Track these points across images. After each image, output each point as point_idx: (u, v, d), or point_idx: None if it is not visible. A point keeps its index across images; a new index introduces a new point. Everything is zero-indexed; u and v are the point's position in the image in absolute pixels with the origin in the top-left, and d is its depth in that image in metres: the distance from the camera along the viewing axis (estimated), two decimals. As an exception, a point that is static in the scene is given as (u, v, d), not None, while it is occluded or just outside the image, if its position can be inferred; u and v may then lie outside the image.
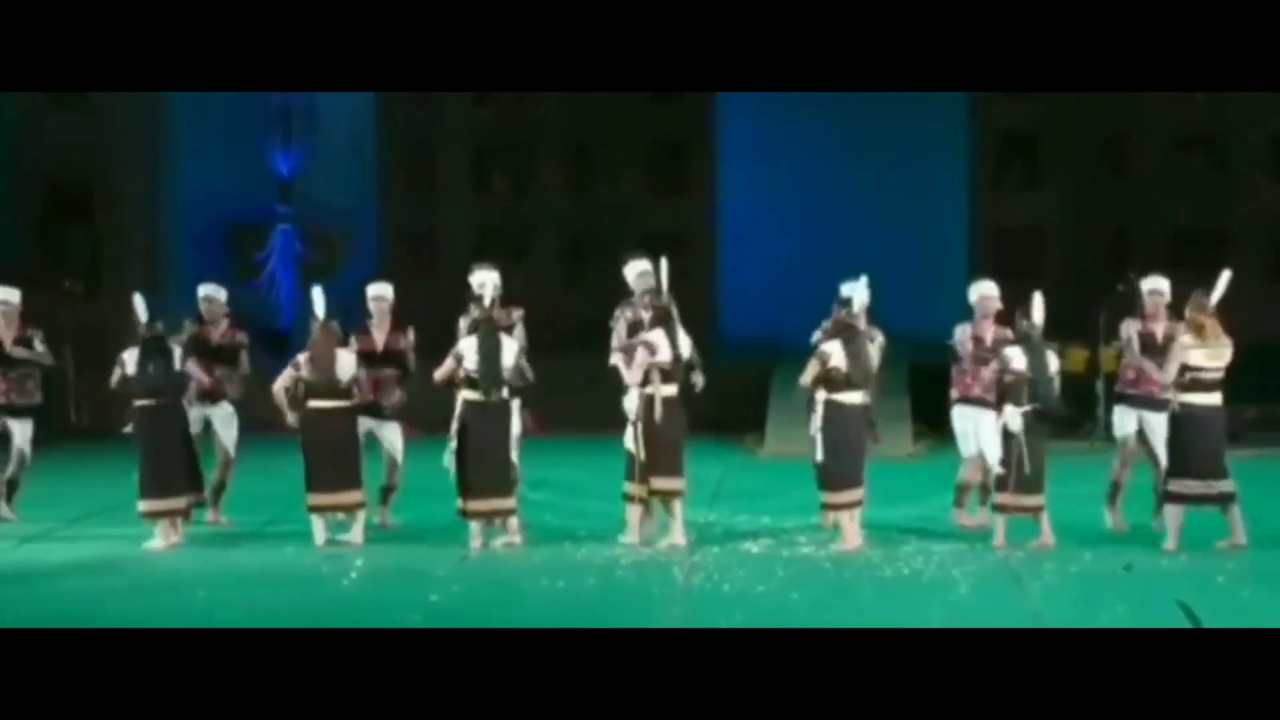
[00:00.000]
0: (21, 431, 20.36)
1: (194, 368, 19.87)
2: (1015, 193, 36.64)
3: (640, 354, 18.67)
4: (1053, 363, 19.06)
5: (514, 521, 18.83)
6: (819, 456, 18.88)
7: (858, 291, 18.68)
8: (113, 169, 34.91)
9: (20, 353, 20.40)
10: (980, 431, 19.22)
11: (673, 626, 14.69)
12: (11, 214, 33.76)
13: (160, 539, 19.17)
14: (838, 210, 34.32)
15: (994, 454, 18.87)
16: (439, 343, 18.99)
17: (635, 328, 19.21)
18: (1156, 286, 19.51)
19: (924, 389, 20.36)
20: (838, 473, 18.56)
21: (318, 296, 19.44)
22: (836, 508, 18.92)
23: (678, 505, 19.32)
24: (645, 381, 18.89)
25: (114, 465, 21.20)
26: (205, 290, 20.85)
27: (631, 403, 19.14)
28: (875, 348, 19.17)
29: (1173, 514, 18.96)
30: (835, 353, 18.74)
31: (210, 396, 20.14)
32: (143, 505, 19.12)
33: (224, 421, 20.31)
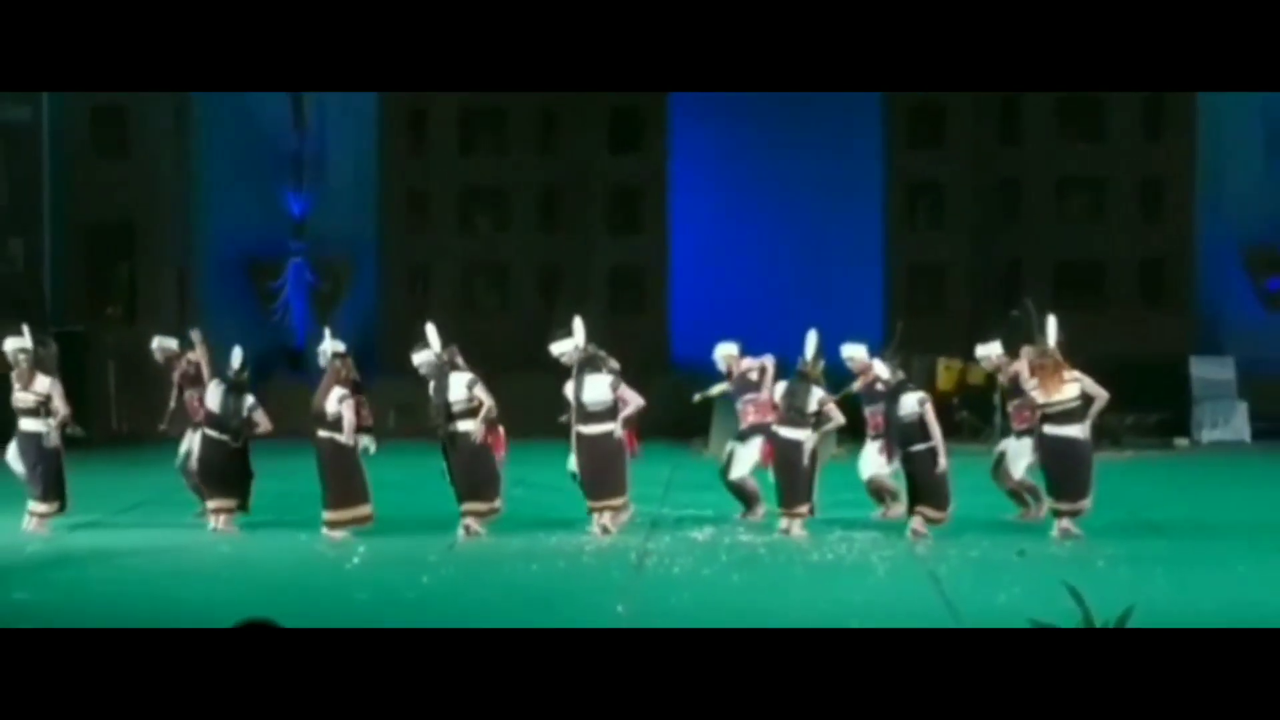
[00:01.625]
0: None
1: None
2: (923, 233, 36.64)
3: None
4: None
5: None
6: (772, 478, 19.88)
7: (810, 346, 19.58)
8: (149, 211, 34.82)
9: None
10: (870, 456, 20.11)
11: (630, 603, 14.80)
12: (62, 251, 33.67)
13: (222, 525, 20.15)
14: (773, 249, 34.39)
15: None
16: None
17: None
18: (985, 354, 20.34)
19: (847, 401, 20.52)
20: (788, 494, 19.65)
21: (327, 337, 19.96)
22: (790, 518, 19.70)
23: (622, 515, 20.10)
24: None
25: (150, 465, 21.26)
26: (158, 344, 21.46)
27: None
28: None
29: (1060, 523, 19.46)
30: (777, 391, 19.75)
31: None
32: (210, 504, 20.18)
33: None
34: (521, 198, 38.00)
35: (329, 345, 19.92)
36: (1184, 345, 33.72)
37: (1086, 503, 19.48)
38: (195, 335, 21.34)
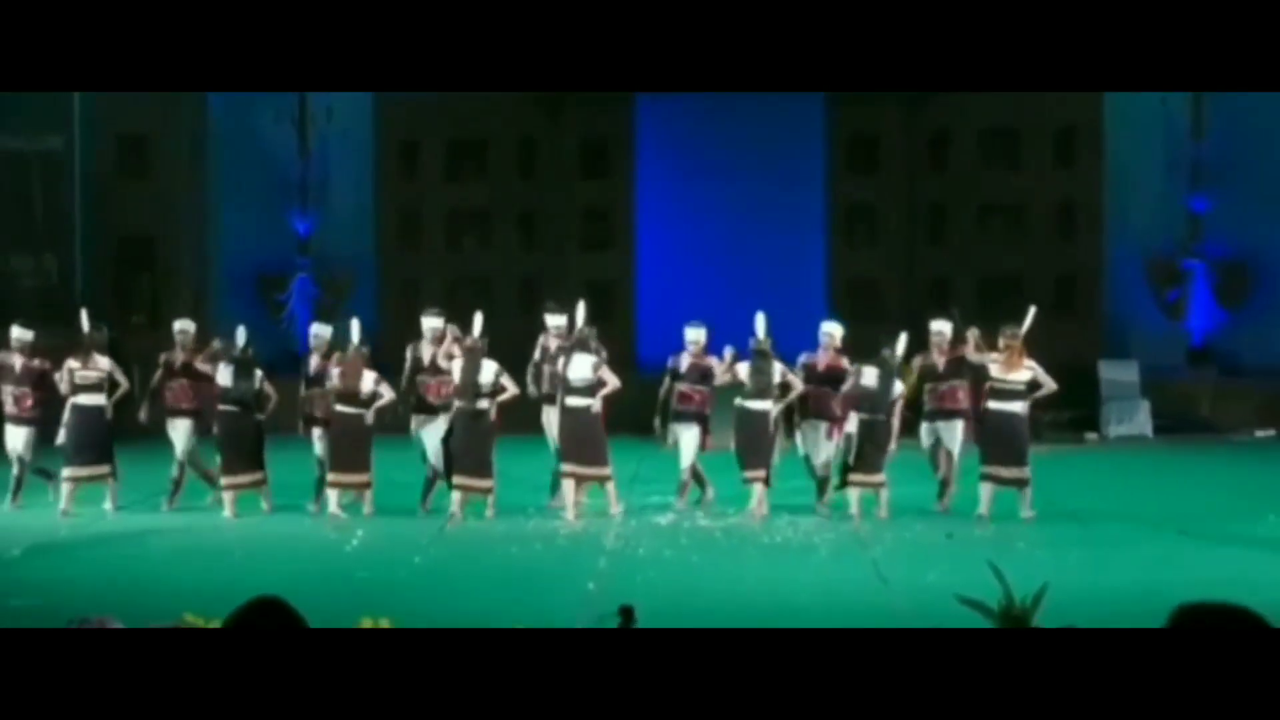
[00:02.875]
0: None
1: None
2: (860, 250, 36.62)
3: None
4: (897, 385, 19.70)
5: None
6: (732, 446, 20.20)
7: (759, 327, 19.75)
8: (169, 229, 34.74)
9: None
10: (818, 437, 20.11)
11: (599, 581, 14.79)
12: (91, 263, 33.58)
13: (229, 509, 20.21)
14: (727, 263, 34.41)
15: (821, 456, 20.27)
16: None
17: (544, 352, 20.39)
18: (940, 329, 20.21)
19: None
20: (749, 458, 20.04)
21: (355, 327, 20.45)
22: (752, 481, 19.96)
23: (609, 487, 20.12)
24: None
25: (171, 458, 21.22)
26: (179, 324, 21.51)
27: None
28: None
29: (985, 491, 19.43)
30: (740, 370, 19.81)
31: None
32: (223, 481, 20.39)
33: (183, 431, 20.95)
34: (502, 219, 37.99)
35: (355, 334, 20.79)
36: (1094, 351, 33.83)
37: (1027, 470, 19.72)
38: (180, 326, 21.43)
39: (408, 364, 20.81)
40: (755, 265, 34.02)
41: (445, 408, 20.20)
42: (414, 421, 20.73)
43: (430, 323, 20.83)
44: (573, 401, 20.04)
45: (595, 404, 19.98)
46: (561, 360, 20.21)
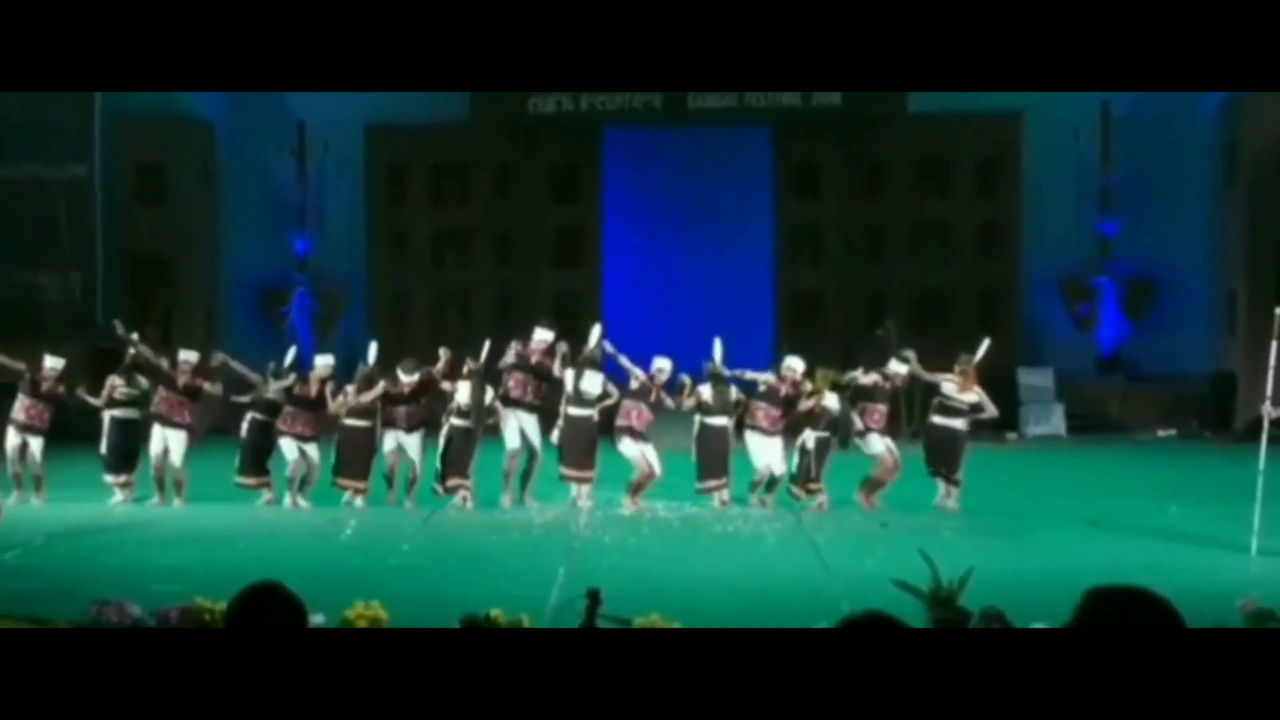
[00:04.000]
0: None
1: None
2: (804, 268, 36.67)
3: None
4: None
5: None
6: (694, 458, 20.47)
7: (715, 352, 19.86)
8: (182, 250, 34.62)
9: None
10: (768, 448, 20.13)
11: (569, 566, 14.78)
12: (111, 281, 33.46)
13: (268, 494, 20.84)
14: (685, 279, 34.50)
15: (764, 462, 20.40)
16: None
17: (523, 360, 20.36)
18: (792, 365, 20.45)
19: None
20: (710, 470, 20.29)
21: (372, 349, 20.77)
22: (706, 492, 20.33)
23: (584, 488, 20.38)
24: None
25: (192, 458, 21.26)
26: (184, 354, 21.58)
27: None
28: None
29: (940, 485, 19.75)
30: (704, 391, 19.95)
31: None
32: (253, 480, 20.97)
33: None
34: (481, 239, 37.93)
35: (372, 356, 21.35)
36: (1013, 359, 33.85)
37: (960, 475, 20.00)
38: (184, 356, 21.48)
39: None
40: (710, 281, 34.09)
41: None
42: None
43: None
44: (580, 412, 20.35)
45: (596, 415, 20.42)
46: (572, 375, 20.37)
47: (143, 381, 21.35)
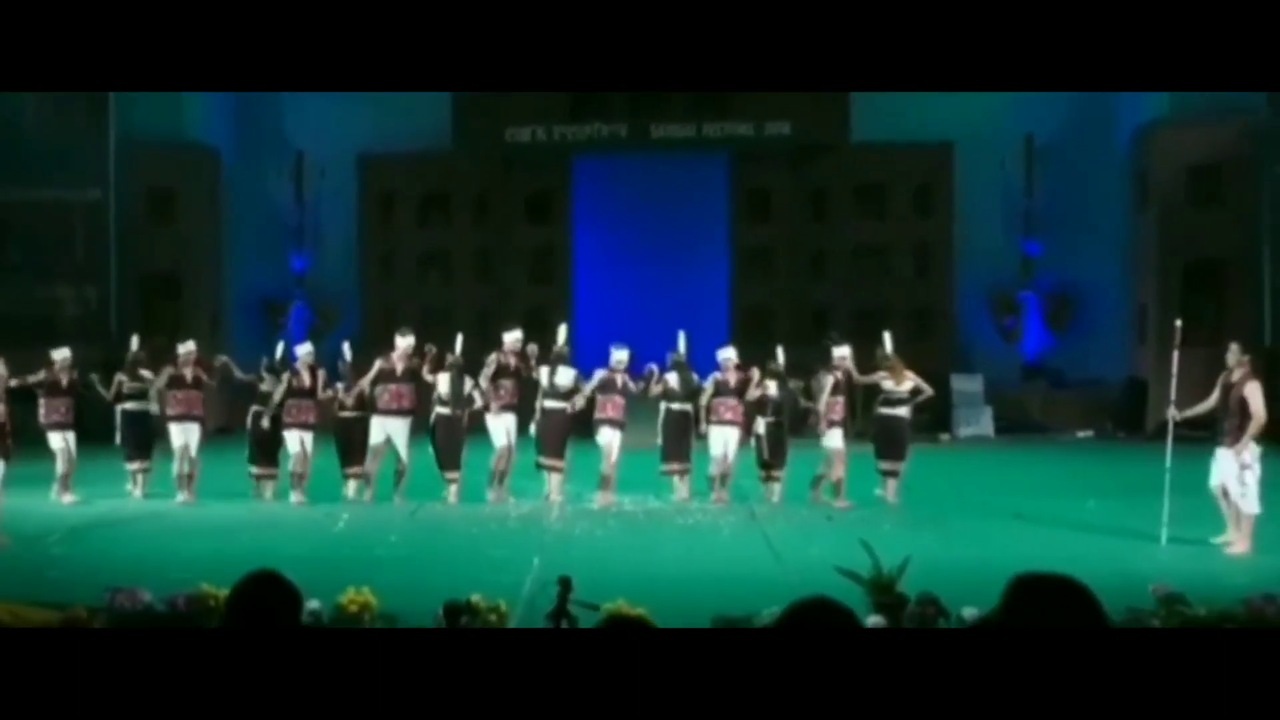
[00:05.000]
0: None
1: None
2: (756, 285, 36.74)
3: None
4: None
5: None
6: (659, 441, 20.58)
7: (680, 343, 20.28)
8: (190, 265, 34.50)
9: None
10: (729, 440, 20.11)
11: (543, 556, 14.74)
12: (124, 295, 33.34)
13: (269, 494, 20.78)
14: (648, 297, 34.43)
15: (722, 451, 20.31)
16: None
17: (504, 367, 20.32)
18: (727, 356, 20.42)
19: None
20: (674, 452, 20.38)
21: (346, 348, 20.75)
22: (670, 473, 20.42)
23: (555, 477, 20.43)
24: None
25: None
26: (183, 348, 21.37)
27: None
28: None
29: (890, 484, 19.77)
30: (670, 379, 20.00)
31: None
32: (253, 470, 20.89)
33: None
34: (461, 257, 37.95)
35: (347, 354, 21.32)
36: (946, 367, 33.95)
37: (900, 465, 20.00)
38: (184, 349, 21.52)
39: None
40: (671, 296, 34.09)
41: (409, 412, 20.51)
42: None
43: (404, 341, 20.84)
44: (554, 405, 20.32)
45: (569, 408, 20.36)
46: (547, 371, 20.32)
47: (146, 375, 21.35)
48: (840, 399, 20.13)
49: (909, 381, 20.22)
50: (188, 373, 21.01)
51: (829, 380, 20.09)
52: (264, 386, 20.95)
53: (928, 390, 20.48)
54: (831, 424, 20.00)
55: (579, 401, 20.42)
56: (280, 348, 21.95)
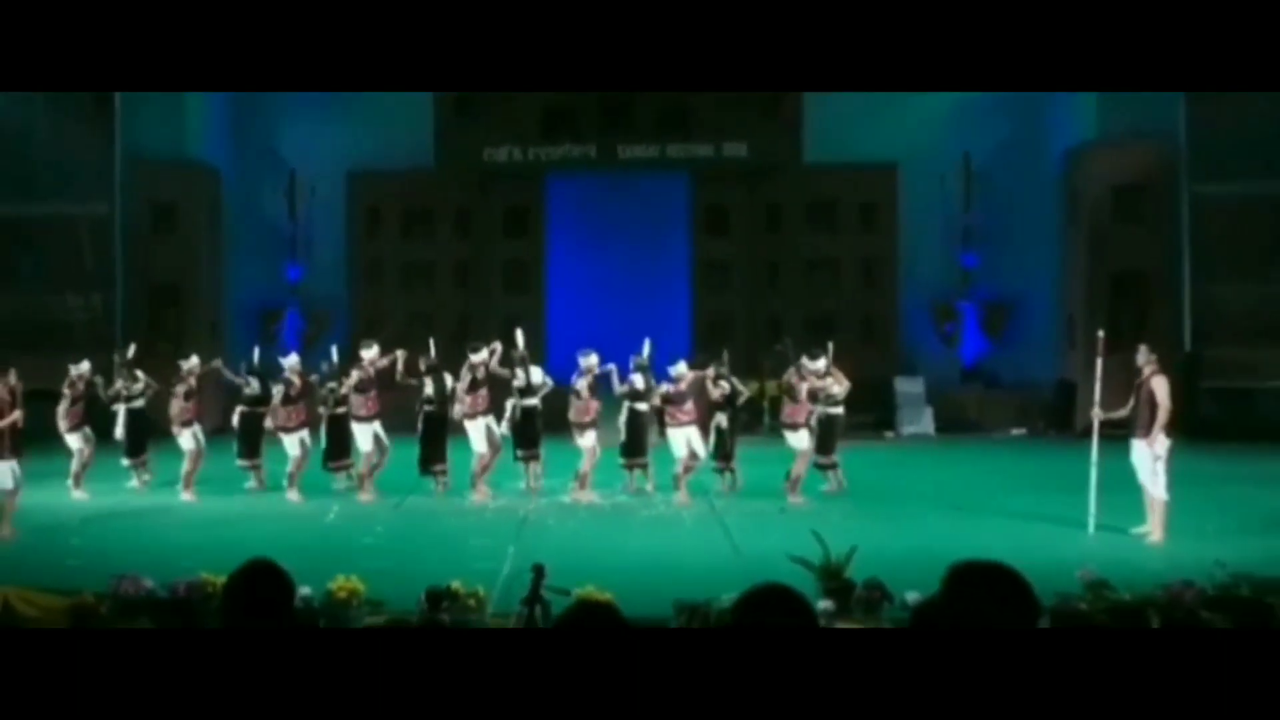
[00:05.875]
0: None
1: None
2: (715, 295, 36.76)
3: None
4: (744, 391, 19.99)
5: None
6: (622, 439, 20.59)
7: (645, 349, 20.56)
8: (191, 275, 34.30)
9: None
10: (690, 435, 20.06)
11: (517, 545, 14.71)
12: (130, 303, 33.18)
13: (255, 483, 21.04)
14: (616, 307, 34.40)
15: (684, 452, 20.15)
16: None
17: (476, 374, 20.31)
18: (680, 371, 20.45)
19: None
20: (634, 448, 20.49)
21: (334, 353, 20.87)
22: (631, 467, 20.57)
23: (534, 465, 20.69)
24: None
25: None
26: (187, 364, 21.36)
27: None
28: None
29: (832, 477, 19.81)
30: (635, 379, 20.00)
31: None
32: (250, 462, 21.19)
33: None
34: (443, 268, 37.86)
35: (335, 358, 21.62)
36: (890, 370, 34.08)
37: (836, 456, 20.51)
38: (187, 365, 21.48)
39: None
40: (637, 305, 34.06)
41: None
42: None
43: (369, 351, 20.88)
44: (528, 402, 20.35)
45: (540, 404, 20.47)
46: (520, 372, 20.29)
47: (140, 376, 21.72)
48: (807, 404, 20.25)
49: (845, 385, 20.44)
50: (193, 382, 21.12)
51: (804, 387, 20.16)
52: (246, 390, 21.09)
53: (846, 384, 20.58)
54: (798, 426, 20.07)
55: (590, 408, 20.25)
56: (256, 352, 22.21)
